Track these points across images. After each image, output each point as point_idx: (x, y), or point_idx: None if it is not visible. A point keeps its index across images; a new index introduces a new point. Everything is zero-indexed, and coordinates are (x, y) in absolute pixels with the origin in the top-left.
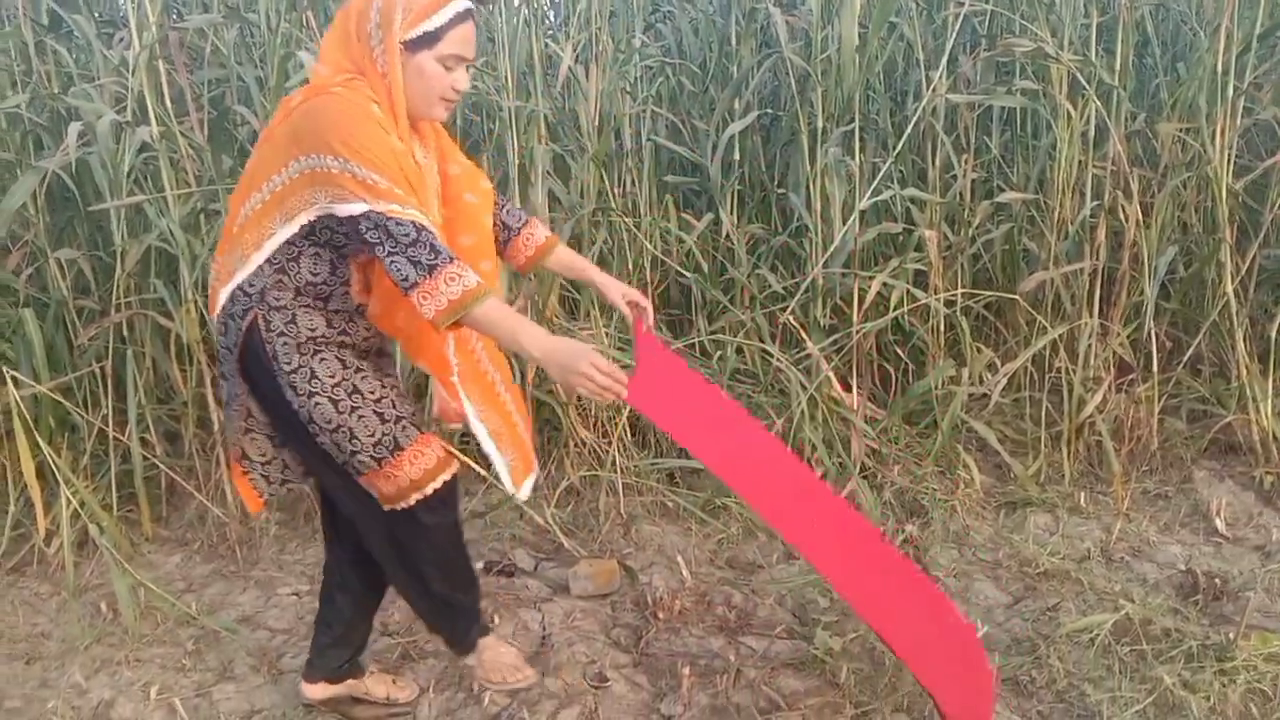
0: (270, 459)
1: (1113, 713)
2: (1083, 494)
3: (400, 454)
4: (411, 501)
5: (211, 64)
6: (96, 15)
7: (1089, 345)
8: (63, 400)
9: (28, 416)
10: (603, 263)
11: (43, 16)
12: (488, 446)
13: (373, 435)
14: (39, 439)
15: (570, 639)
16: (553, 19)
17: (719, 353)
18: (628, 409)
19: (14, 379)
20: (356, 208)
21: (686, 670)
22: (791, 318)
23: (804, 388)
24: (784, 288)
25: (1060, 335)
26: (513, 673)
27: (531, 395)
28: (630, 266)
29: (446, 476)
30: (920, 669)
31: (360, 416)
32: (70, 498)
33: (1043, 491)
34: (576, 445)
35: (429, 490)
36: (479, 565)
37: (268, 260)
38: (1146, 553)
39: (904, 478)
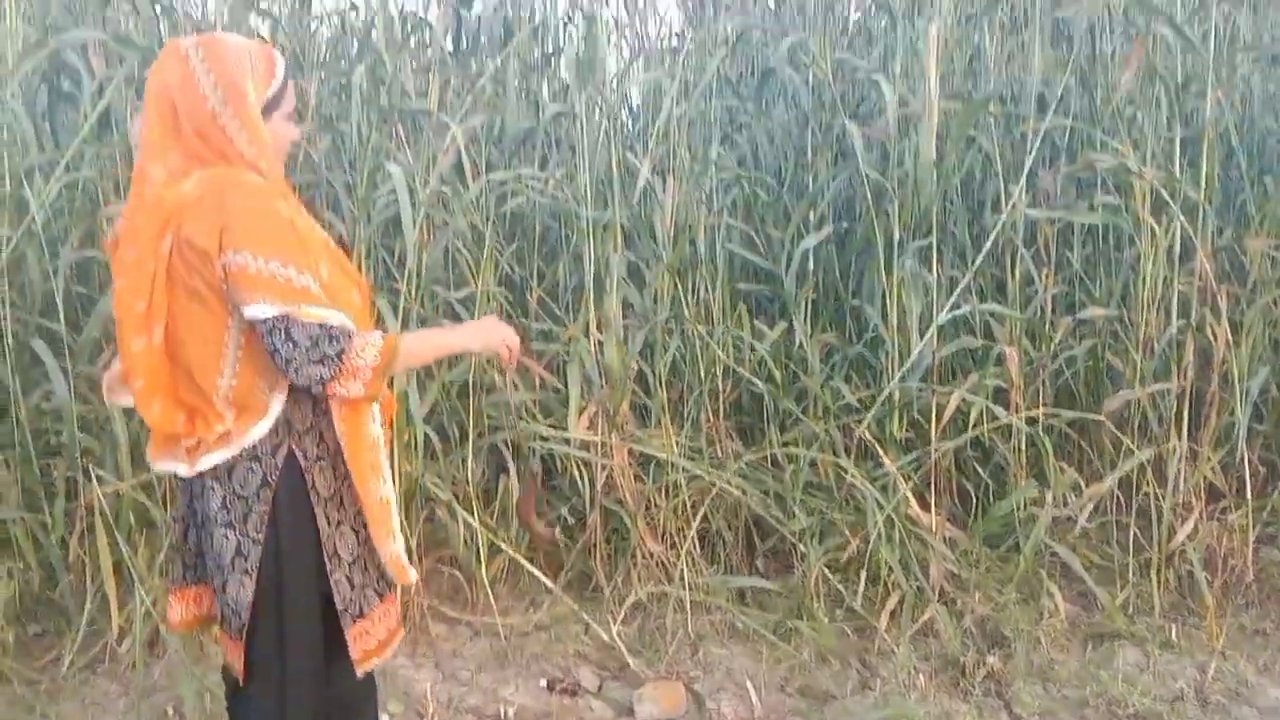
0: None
1: None
2: (1174, 627)
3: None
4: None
5: (303, 169)
6: None
7: (1178, 470)
8: (144, 497)
9: (109, 514)
10: (674, 370)
11: None
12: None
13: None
14: (118, 536)
15: None
16: (630, 126)
17: (791, 466)
18: (697, 520)
19: (98, 477)
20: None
21: None
22: (867, 432)
23: (880, 506)
24: (859, 399)
25: (1147, 459)
26: None
27: (600, 504)
28: (702, 374)
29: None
30: None
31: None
32: (144, 596)
33: (1131, 624)
34: (644, 557)
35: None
36: (542, 683)
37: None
38: (1245, 695)
39: (985, 605)
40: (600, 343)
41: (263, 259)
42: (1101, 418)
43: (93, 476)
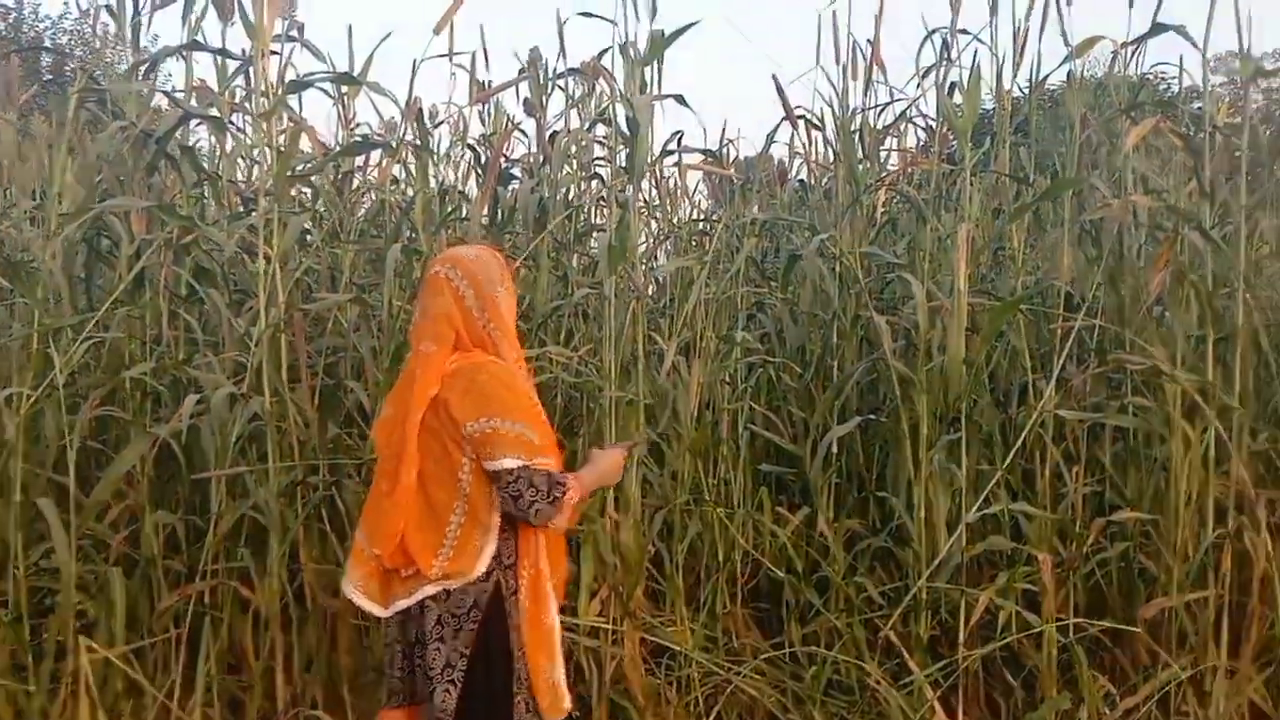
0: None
1: None
2: None
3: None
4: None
5: (331, 334)
6: (232, 284)
7: (1218, 689)
8: (133, 669)
9: (94, 685)
10: (693, 552)
11: (181, 287)
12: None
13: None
14: (100, 709)
15: None
16: (655, 301)
17: (813, 668)
18: (711, 717)
19: (89, 646)
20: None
21: None
22: (892, 632)
23: (904, 714)
24: (882, 593)
25: (1186, 674)
26: None
27: (607, 697)
28: (721, 559)
29: None
30: None
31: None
32: None
33: None
34: None
35: None
36: None
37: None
38: None
39: None
40: (617, 522)
41: (510, 422)
42: (1137, 630)
43: (81, 647)
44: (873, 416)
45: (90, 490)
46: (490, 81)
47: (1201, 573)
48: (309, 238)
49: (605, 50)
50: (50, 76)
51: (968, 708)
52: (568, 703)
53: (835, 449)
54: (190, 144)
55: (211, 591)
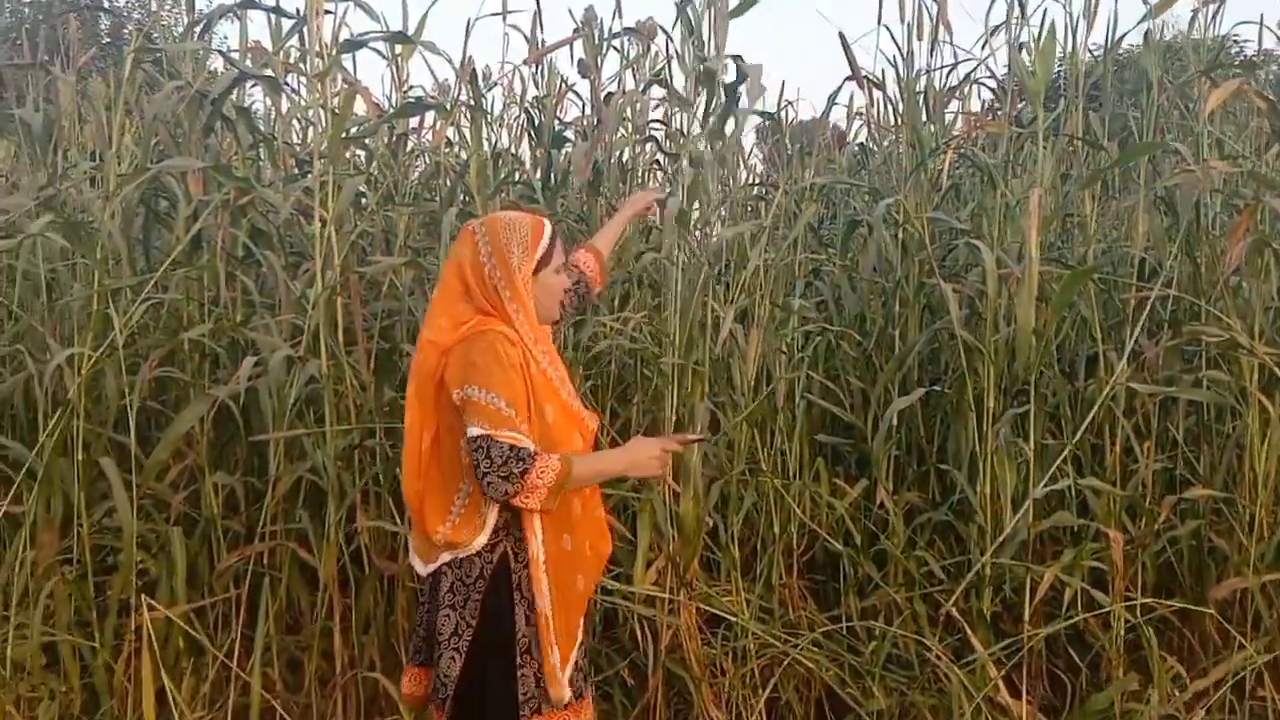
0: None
1: None
2: None
3: (584, 699)
4: None
5: (386, 297)
6: (288, 247)
7: None
8: (193, 628)
9: (156, 642)
10: (748, 523)
11: (238, 249)
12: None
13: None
14: (162, 667)
15: None
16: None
17: (873, 644)
18: (767, 690)
19: (149, 604)
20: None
21: None
22: (954, 608)
23: (966, 692)
24: (943, 568)
25: (1261, 658)
26: None
27: (663, 665)
28: (777, 531)
29: None
30: None
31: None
32: None
33: None
34: None
35: None
36: None
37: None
38: None
39: None
40: (675, 492)
41: (484, 391)
42: (1209, 610)
43: (144, 605)
44: (935, 388)
45: (150, 450)
46: (544, 42)
47: (1278, 554)
48: (364, 200)
49: (687, 3)
50: (109, 39)
51: (1031, 686)
52: (567, 692)
53: (895, 420)
54: (246, 105)
55: (270, 552)
